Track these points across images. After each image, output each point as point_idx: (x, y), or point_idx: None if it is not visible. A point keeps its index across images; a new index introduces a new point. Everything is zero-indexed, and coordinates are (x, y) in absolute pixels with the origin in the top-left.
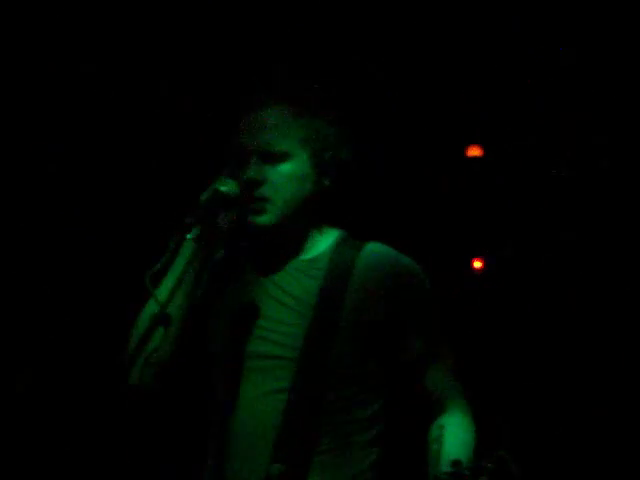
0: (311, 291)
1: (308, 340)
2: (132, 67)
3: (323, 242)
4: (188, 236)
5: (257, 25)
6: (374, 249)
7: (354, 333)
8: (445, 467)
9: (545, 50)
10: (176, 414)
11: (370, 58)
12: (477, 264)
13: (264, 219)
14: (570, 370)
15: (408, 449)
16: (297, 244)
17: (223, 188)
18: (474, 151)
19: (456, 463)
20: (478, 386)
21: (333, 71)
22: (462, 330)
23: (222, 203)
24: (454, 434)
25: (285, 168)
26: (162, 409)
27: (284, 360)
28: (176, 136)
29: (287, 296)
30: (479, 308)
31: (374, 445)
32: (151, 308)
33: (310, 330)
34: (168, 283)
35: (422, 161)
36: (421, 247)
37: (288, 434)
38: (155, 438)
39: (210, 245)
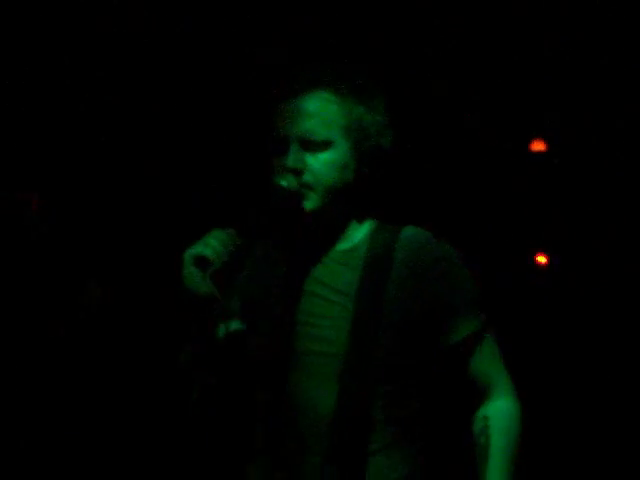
0: (351, 282)
1: (354, 334)
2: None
3: (359, 231)
4: None
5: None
6: (412, 234)
7: (398, 322)
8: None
9: (609, 45)
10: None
11: (424, 43)
12: (541, 259)
13: (306, 206)
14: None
15: (455, 444)
16: (335, 235)
17: (284, 182)
18: (538, 145)
19: None
20: (539, 382)
21: (378, 56)
22: (524, 323)
23: (284, 198)
24: (499, 426)
25: (326, 156)
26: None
27: (329, 357)
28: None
29: (327, 289)
30: (543, 303)
31: (422, 441)
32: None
33: (354, 323)
34: None
35: (487, 155)
36: (485, 242)
37: (341, 433)
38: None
39: None
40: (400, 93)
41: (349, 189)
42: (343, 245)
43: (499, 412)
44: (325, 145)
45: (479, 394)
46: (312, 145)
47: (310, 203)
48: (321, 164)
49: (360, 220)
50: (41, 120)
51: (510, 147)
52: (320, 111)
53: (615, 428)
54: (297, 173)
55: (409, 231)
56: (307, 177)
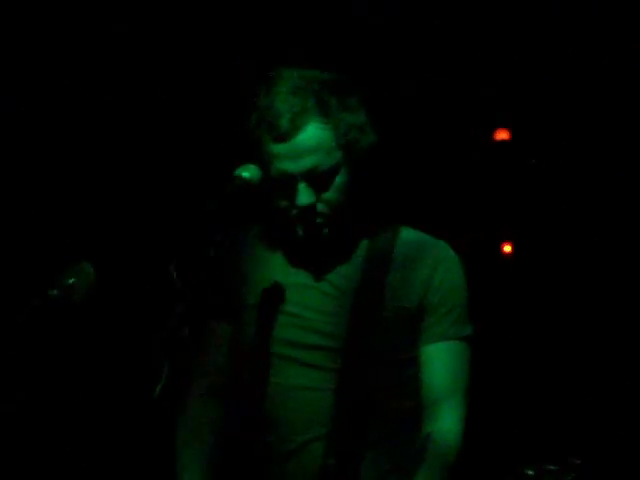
0: (351, 278)
1: (352, 329)
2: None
3: (360, 229)
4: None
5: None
6: (411, 234)
7: (395, 319)
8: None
9: (573, 32)
10: None
11: (390, 38)
12: (507, 248)
13: (321, 234)
14: (599, 358)
15: None
16: (341, 238)
17: (245, 174)
18: (502, 134)
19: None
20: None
21: (344, 57)
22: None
23: (245, 189)
24: (436, 451)
25: (336, 181)
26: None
27: (328, 351)
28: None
29: (327, 284)
30: (508, 293)
31: (418, 432)
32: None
33: (353, 319)
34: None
35: (450, 145)
36: (450, 232)
37: (340, 426)
38: None
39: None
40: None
41: (359, 202)
42: (344, 243)
43: (440, 436)
44: (332, 173)
45: (430, 401)
46: (319, 177)
47: (326, 231)
48: (333, 191)
49: (359, 218)
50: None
51: (474, 136)
52: (319, 142)
53: (579, 415)
54: (312, 209)
55: (408, 231)
56: (320, 207)
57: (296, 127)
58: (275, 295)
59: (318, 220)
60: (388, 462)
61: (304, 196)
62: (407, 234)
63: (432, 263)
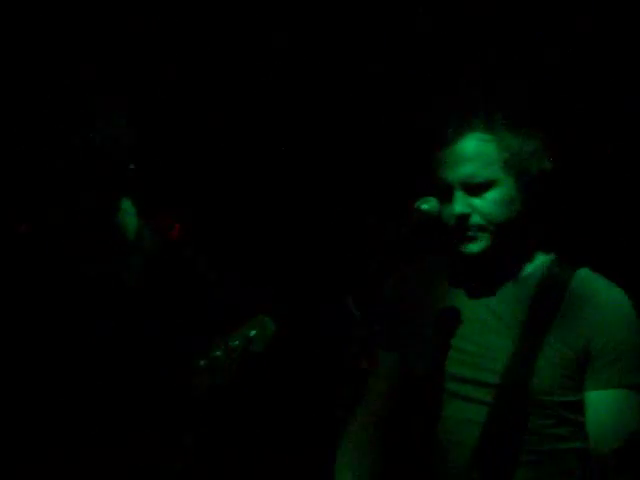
0: (516, 315)
1: (513, 366)
2: None
3: (534, 264)
4: None
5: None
6: (586, 276)
7: (557, 361)
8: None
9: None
10: None
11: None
12: None
13: (475, 247)
14: None
15: None
16: (507, 266)
17: (425, 206)
18: None
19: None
20: None
21: (520, 81)
22: None
23: (424, 222)
24: None
25: (492, 195)
26: None
27: (488, 387)
28: None
29: (496, 319)
30: None
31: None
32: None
33: (514, 356)
34: None
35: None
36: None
37: (485, 465)
38: None
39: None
40: None
41: (520, 222)
42: (513, 277)
43: None
44: (488, 185)
45: (595, 452)
46: (476, 188)
47: (480, 244)
48: (488, 203)
49: (531, 252)
50: None
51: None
52: (478, 152)
53: None
54: (465, 218)
55: (584, 272)
56: (475, 219)
57: (459, 135)
58: (450, 328)
59: (472, 232)
60: None
61: (459, 204)
62: (583, 274)
63: (602, 307)
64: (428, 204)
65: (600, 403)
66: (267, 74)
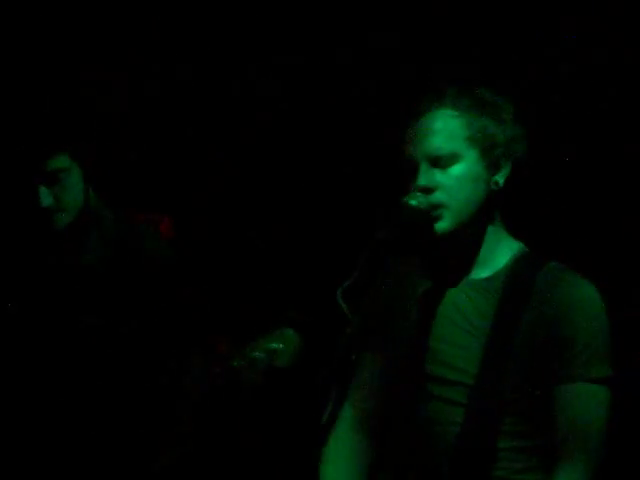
0: (486, 314)
1: (485, 366)
2: None
3: (500, 256)
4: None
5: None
6: (554, 270)
7: (526, 359)
8: None
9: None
10: None
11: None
12: None
13: (442, 225)
14: None
15: None
16: (473, 256)
17: (413, 202)
18: None
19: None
20: None
21: (501, 65)
22: None
23: (413, 217)
24: None
25: (456, 170)
26: None
27: (460, 386)
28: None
29: (461, 317)
30: None
31: (545, 473)
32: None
33: (486, 356)
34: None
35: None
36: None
37: (464, 462)
38: None
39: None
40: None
41: (485, 203)
42: (482, 272)
43: None
44: (452, 158)
45: (556, 449)
46: (440, 161)
47: (444, 223)
48: (452, 179)
49: (500, 242)
50: None
51: None
52: (444, 127)
53: None
54: (428, 191)
55: (553, 266)
56: (439, 195)
57: (427, 111)
58: (424, 328)
59: (437, 212)
60: None
61: (423, 177)
62: (551, 268)
63: (571, 301)
64: (416, 199)
65: (568, 397)
66: (267, 74)
